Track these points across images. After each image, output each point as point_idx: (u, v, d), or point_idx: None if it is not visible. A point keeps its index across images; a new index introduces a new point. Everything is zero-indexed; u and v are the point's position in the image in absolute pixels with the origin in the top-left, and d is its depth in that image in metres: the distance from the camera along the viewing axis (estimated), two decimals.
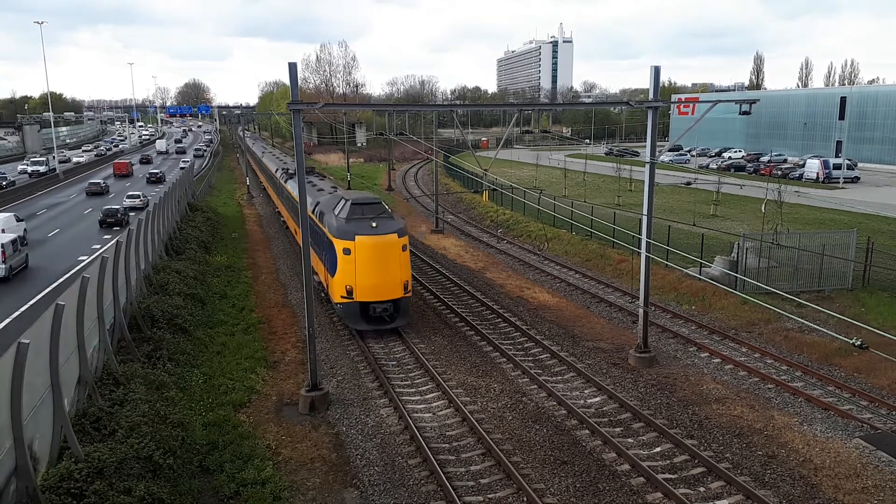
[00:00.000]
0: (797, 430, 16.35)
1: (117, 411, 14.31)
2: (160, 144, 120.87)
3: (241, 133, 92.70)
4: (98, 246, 35.03)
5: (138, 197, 51.03)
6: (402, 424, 16.44)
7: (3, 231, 31.92)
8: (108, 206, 44.06)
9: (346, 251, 22.19)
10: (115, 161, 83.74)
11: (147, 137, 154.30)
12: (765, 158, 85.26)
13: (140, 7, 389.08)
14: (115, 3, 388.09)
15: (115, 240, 21.06)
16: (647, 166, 20.18)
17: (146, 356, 18.56)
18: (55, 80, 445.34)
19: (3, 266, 28.28)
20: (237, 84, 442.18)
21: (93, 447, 12.54)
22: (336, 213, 23.86)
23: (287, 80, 17.05)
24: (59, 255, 33.70)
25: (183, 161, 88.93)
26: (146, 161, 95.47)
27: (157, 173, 71.78)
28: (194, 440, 14.95)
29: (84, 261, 31.32)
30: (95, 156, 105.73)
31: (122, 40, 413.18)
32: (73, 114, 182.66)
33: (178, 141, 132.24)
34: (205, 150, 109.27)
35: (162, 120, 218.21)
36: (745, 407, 17.58)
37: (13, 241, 29.48)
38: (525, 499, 13.26)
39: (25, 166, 79.82)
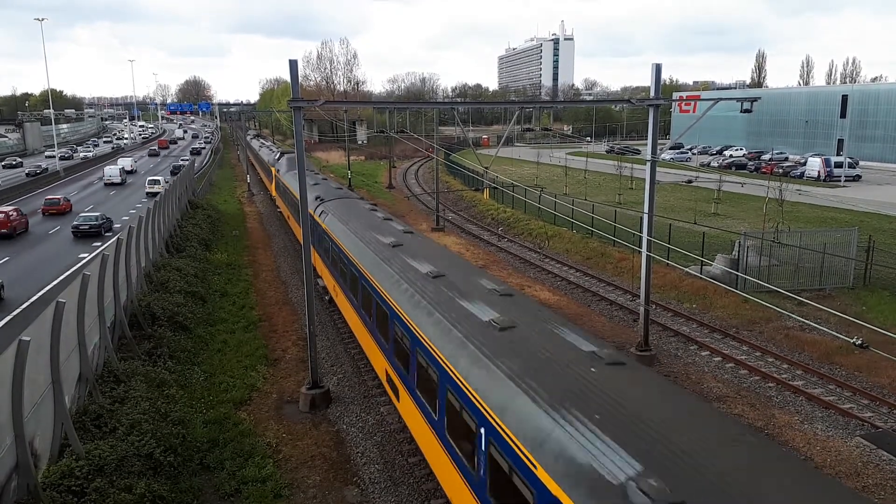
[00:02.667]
0: (798, 428, 16.34)
1: (118, 408, 14.31)
2: (178, 132, 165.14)
3: (247, 139, 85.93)
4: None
5: (188, 160, 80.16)
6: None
7: (132, 165, 79.04)
8: (176, 164, 80.00)
9: None
10: (159, 139, 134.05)
11: (146, 136, 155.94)
12: (766, 157, 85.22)
13: (136, 4, 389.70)
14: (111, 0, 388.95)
15: (115, 237, 21.07)
16: (649, 164, 20.15)
17: (147, 353, 18.58)
18: (54, 77, 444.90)
19: (120, 178, 67.53)
20: (237, 81, 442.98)
21: (93, 444, 12.55)
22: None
23: (288, 77, 16.99)
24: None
25: (197, 143, 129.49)
26: (173, 142, 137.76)
27: (198, 148, 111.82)
28: (195, 438, 14.96)
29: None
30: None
31: (119, 37, 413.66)
32: (73, 111, 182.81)
33: (185, 131, 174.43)
34: (211, 137, 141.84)
35: (162, 117, 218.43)
36: (746, 405, 17.57)
37: (123, 168, 71.63)
38: None
39: None
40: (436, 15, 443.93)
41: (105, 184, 66.62)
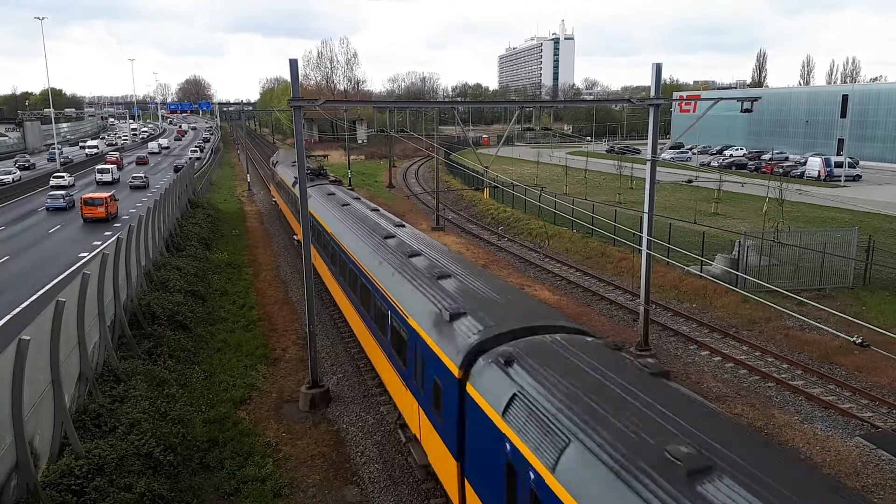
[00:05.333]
0: (797, 428, 16.35)
1: (118, 408, 14.31)
2: (185, 126, 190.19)
3: (277, 169, 47.00)
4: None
5: (201, 144, 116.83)
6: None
7: (166, 143, 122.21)
8: (196, 146, 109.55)
9: None
10: (177, 129, 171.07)
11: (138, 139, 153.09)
12: (766, 156, 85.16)
13: (132, 2, 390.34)
14: None
15: (115, 237, 21.07)
16: (649, 164, 20.15)
17: (147, 353, 18.58)
18: (53, 75, 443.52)
19: (159, 149, 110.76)
20: (237, 80, 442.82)
21: (93, 444, 12.55)
22: None
23: (288, 77, 16.99)
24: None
25: (203, 133, 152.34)
26: (185, 132, 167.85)
27: (207, 137, 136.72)
28: (195, 437, 14.97)
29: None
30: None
31: (116, 36, 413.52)
32: (73, 110, 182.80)
33: (189, 128, 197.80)
34: (212, 129, 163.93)
35: (163, 116, 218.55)
36: (746, 405, 17.58)
37: (160, 144, 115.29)
38: None
39: None
40: (434, 14, 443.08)
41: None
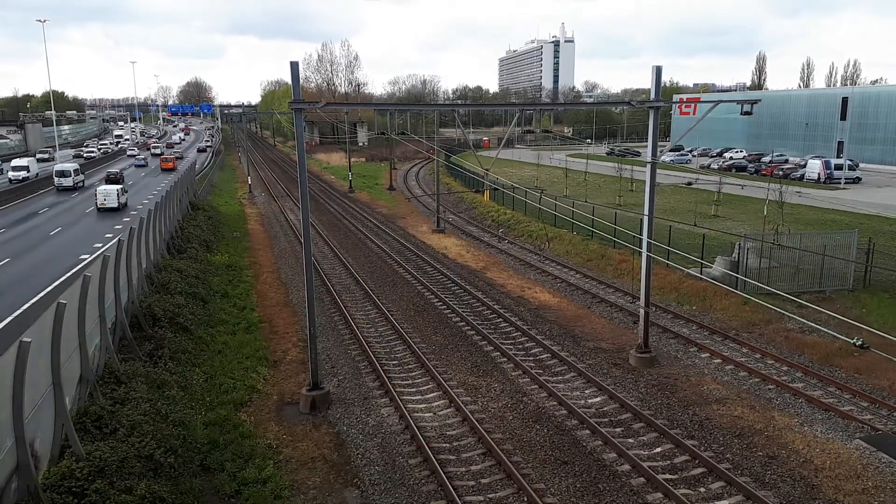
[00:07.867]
0: (798, 430, 16.35)
1: (119, 410, 14.31)
2: (182, 124, 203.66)
3: None
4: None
5: (208, 138, 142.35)
6: (403, 424, 16.46)
7: (182, 137, 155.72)
8: (202, 143, 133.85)
9: None
10: (183, 127, 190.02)
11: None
12: (766, 159, 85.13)
13: (126, 4, 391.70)
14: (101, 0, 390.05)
15: (116, 238, 21.09)
16: (649, 166, 20.18)
17: (147, 355, 18.57)
18: (53, 78, 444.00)
19: (179, 140, 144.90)
20: (238, 83, 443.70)
21: (94, 446, 12.55)
22: None
23: (289, 79, 17.02)
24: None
25: (206, 133, 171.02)
26: (189, 131, 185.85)
27: (211, 134, 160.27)
28: (195, 439, 14.96)
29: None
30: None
31: (113, 38, 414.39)
32: (74, 112, 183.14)
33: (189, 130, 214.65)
34: (213, 125, 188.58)
35: (164, 118, 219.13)
36: (746, 407, 17.58)
37: (180, 136, 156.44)
38: (526, 499, 13.27)
39: None
40: (433, 16, 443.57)
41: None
